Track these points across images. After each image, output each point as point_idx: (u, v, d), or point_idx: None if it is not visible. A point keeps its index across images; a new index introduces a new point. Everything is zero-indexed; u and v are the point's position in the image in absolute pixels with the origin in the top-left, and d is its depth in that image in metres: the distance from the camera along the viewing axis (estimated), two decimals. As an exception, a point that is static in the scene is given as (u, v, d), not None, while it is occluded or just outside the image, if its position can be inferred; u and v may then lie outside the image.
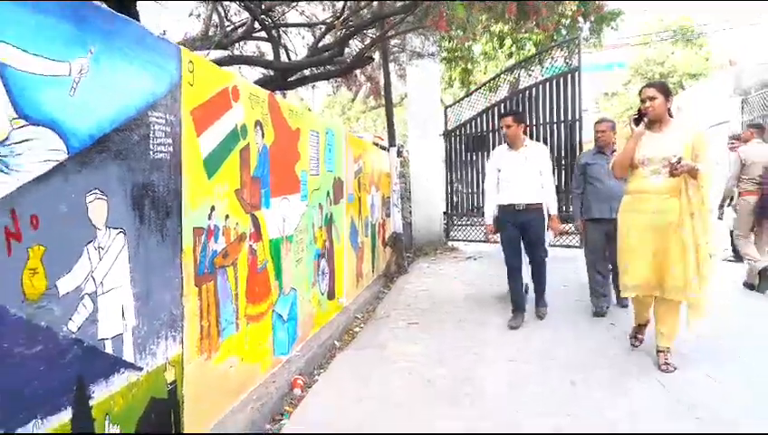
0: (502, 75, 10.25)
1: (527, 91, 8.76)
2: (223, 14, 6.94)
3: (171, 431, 2.14)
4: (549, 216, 4.52)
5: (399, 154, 10.18)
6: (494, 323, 4.45)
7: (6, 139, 1.37)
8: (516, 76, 11.35)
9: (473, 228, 8.97)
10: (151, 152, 1.99)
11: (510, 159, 4.48)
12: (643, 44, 28.49)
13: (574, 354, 3.64)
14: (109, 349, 1.78)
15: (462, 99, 9.32)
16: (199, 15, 6.65)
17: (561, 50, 8.74)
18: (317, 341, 3.94)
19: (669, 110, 3.34)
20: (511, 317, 4.46)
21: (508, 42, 13.36)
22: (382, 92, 7.63)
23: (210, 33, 7.01)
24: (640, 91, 3.38)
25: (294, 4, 6.42)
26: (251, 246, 2.91)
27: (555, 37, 11.98)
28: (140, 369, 1.94)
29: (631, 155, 3.34)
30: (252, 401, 2.79)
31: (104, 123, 1.73)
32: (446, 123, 9.04)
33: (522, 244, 4.52)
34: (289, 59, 7.65)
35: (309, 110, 19.31)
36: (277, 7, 7.11)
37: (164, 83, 2.08)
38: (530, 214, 4.39)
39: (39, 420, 1.48)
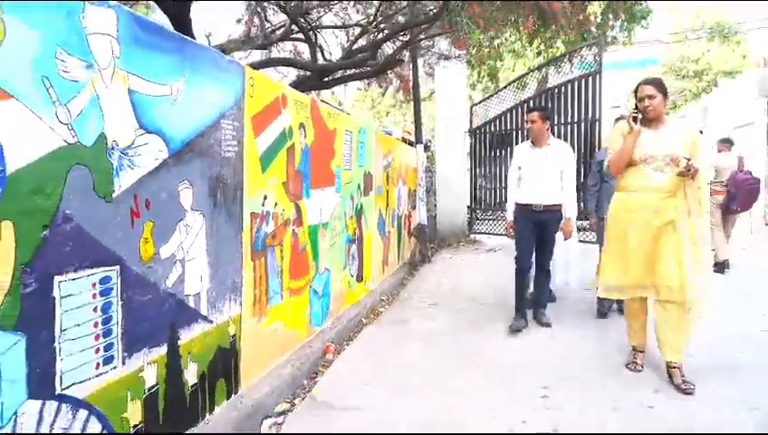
0: (530, 73, 10.59)
1: (549, 92, 9.10)
2: (263, 16, 7.48)
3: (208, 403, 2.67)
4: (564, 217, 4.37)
5: (427, 149, 10.64)
6: (509, 306, 4.88)
7: (132, 144, 1.89)
8: (544, 74, 11.66)
9: (495, 222, 9.38)
10: (222, 152, 2.51)
11: (531, 156, 4.34)
12: (677, 42, 28.09)
13: (572, 351, 4.05)
14: (191, 304, 2.31)
15: (487, 98, 9.70)
16: (240, 20, 7.18)
17: (590, 48, 9.03)
18: (346, 316, 4.46)
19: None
20: (513, 320, 4.36)
21: (537, 40, 13.61)
22: (411, 90, 8.07)
23: (252, 35, 7.57)
24: (637, 89, 3.29)
25: (329, 7, 6.89)
26: (294, 230, 3.43)
27: (585, 36, 12.20)
28: (211, 322, 2.47)
29: (631, 153, 3.23)
30: (292, 360, 3.32)
31: (191, 130, 2.25)
32: (471, 121, 9.45)
33: (534, 246, 4.39)
34: (325, 59, 8.17)
35: (340, 103, 19.76)
36: (314, 10, 7.63)
37: (232, 96, 2.59)
38: (547, 216, 4.24)
39: (147, 350, 2.01)
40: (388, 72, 9.94)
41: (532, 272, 4.50)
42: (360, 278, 5.08)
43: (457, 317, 4.62)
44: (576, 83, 8.51)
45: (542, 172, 4.26)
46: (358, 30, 6.85)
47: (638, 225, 3.23)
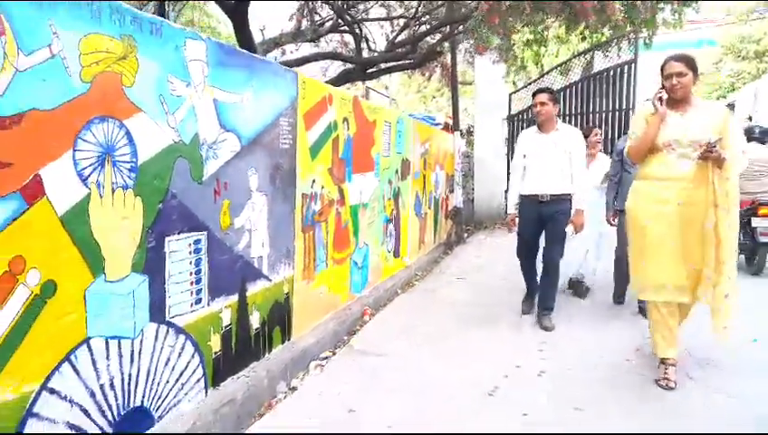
0: (570, 60, 10.79)
1: (584, 82, 9.35)
2: (312, 12, 8.06)
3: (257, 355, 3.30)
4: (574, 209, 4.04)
5: (470, 133, 11.03)
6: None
7: (215, 140, 2.51)
8: (589, 59, 11.82)
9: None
10: (280, 144, 3.11)
11: (537, 142, 4.06)
12: (739, 21, 26.98)
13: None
14: (255, 264, 2.94)
15: (525, 86, 10.00)
16: (292, 16, 7.78)
17: (640, 32, 9.18)
18: (383, 286, 5.06)
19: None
20: (524, 301, 4.43)
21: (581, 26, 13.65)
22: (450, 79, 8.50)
23: (302, 28, 8.17)
24: (664, 66, 2.93)
25: (373, 2, 7.40)
26: (337, 209, 4.03)
27: (633, 19, 12.22)
28: (270, 280, 3.10)
29: (654, 137, 2.92)
30: (335, 318, 3.95)
31: (257, 128, 2.86)
32: (509, 108, 9.79)
33: (539, 239, 4.21)
34: (370, 49, 8.70)
35: (386, 88, 20.12)
36: (359, 4, 8.15)
37: (288, 99, 3.18)
38: (553, 206, 3.95)
39: (225, 297, 2.65)
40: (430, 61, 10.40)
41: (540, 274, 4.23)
42: (396, 254, 5.65)
43: (482, 289, 5.14)
44: (612, 72, 8.73)
45: (549, 159, 3.98)
46: (401, 21, 7.33)
47: (663, 218, 2.90)
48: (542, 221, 4.03)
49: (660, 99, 2.94)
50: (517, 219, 4.21)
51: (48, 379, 1.72)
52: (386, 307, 4.63)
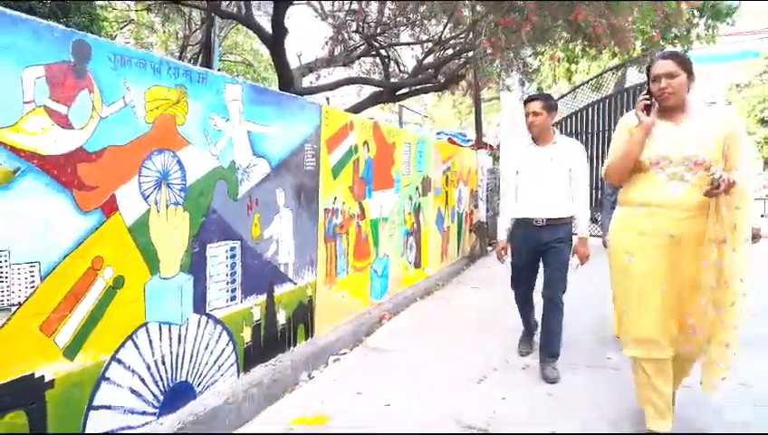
0: (606, 74, 11.07)
1: (616, 97, 9.60)
2: (345, 39, 8.65)
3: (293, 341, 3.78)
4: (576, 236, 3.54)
5: (498, 148, 11.39)
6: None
7: (248, 165, 3.02)
8: (622, 74, 12.06)
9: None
10: (305, 166, 3.62)
11: (532, 157, 3.51)
12: (783, 33, 26.40)
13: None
14: (282, 270, 3.43)
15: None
16: (326, 42, 8.39)
17: (675, 46, 9.38)
18: (403, 294, 5.49)
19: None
20: (521, 340, 3.97)
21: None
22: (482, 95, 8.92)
23: (335, 54, 8.77)
24: (650, 66, 2.41)
25: (400, 30, 7.93)
26: (358, 222, 4.50)
27: (665, 35, 12.41)
28: (295, 283, 3.59)
29: (637, 153, 2.39)
30: (354, 320, 4.40)
31: (284, 153, 3.37)
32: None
33: (537, 270, 3.68)
34: (400, 70, 9.23)
35: (424, 105, 20.55)
36: (388, 30, 8.68)
37: (312, 127, 3.69)
38: (551, 232, 3.42)
39: (255, 296, 3.14)
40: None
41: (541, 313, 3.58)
42: (417, 265, 6.08)
43: (492, 297, 5.50)
44: (637, 90, 8.96)
45: (545, 177, 3.44)
46: (426, 50, 7.82)
47: (649, 254, 2.37)
48: (539, 250, 3.48)
49: (645, 107, 2.42)
50: (509, 248, 3.70)
51: (117, 352, 2.24)
52: (403, 312, 5.06)
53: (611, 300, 2.57)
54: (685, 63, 2.34)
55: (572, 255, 3.50)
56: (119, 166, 2.20)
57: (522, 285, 3.75)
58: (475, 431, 2.66)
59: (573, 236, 3.51)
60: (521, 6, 4.18)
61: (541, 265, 3.60)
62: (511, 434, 2.62)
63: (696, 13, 14.02)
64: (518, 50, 5.28)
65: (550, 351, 3.46)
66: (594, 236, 6.02)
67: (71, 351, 2.03)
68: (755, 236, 3.60)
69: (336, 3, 8.38)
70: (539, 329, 3.66)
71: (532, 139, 3.55)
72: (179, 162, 2.51)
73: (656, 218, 2.37)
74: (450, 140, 11.13)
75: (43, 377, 1.93)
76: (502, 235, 3.75)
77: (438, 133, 15.23)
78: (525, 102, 3.58)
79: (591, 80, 11.56)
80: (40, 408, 1.93)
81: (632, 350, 2.48)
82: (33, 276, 1.88)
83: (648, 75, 2.45)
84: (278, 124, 3.28)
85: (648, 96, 2.45)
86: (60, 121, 1.95)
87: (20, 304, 1.84)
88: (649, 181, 2.41)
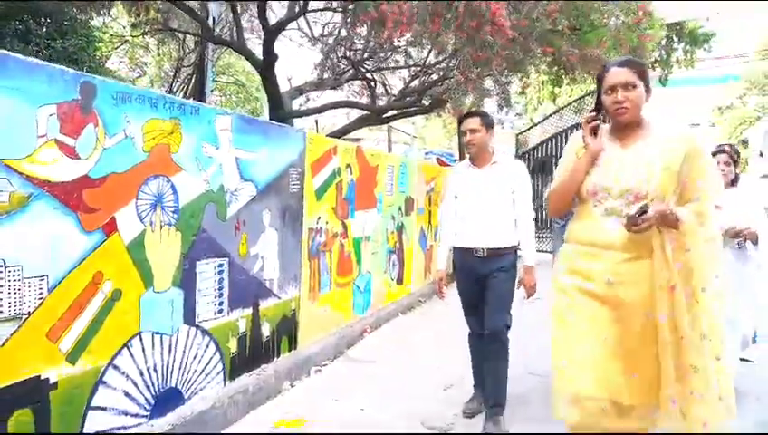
0: (586, 97, 11.47)
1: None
2: (334, 64, 8.98)
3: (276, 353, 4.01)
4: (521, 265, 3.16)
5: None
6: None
7: (236, 188, 3.29)
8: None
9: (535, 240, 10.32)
10: (290, 188, 3.89)
11: (470, 180, 3.20)
12: (762, 58, 27.24)
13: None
14: (267, 285, 3.68)
15: (530, 128, 10.71)
16: (317, 67, 8.71)
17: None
18: (385, 310, 5.73)
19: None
20: (470, 398, 3.36)
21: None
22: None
23: (324, 78, 9.10)
24: (603, 76, 2.03)
25: (386, 56, 8.27)
26: (341, 241, 4.76)
27: (650, 58, 12.91)
28: (280, 298, 3.83)
29: (580, 182, 2.07)
30: (337, 333, 4.64)
31: (270, 176, 3.64)
32: (517, 148, 10.48)
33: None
34: (387, 93, 9.56)
35: (413, 124, 20.84)
36: (375, 56, 9.03)
37: (297, 152, 3.97)
38: (492, 263, 3.07)
39: (241, 310, 3.39)
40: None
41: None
42: (400, 281, 6.34)
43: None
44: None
45: (485, 202, 3.12)
46: (410, 77, 8.17)
47: (583, 301, 2.05)
48: (482, 282, 3.12)
49: (593, 129, 2.07)
50: (450, 278, 3.41)
51: (113, 358, 2.47)
52: (384, 326, 5.31)
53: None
54: (643, 72, 2.00)
55: (518, 286, 3.12)
56: (119, 191, 2.46)
57: (473, 323, 3.30)
58: (436, 432, 2.91)
59: (515, 267, 3.11)
60: (491, 42, 4.52)
61: None
62: (468, 434, 2.87)
63: (675, 38, 14.60)
64: (496, 77, 5.60)
65: (494, 400, 3.00)
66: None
67: (73, 356, 2.27)
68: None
69: (325, 27, 8.74)
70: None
71: (470, 159, 3.26)
72: (173, 187, 2.78)
73: (594, 260, 2.02)
74: (439, 160, 11.43)
75: (47, 379, 2.17)
76: (440, 264, 3.39)
77: (427, 153, 15.57)
78: (461, 120, 3.31)
79: (572, 103, 12.00)
80: (44, 407, 2.17)
81: (562, 410, 2.04)
82: (41, 289, 2.13)
83: (598, 86, 2.06)
84: (265, 150, 3.55)
85: (596, 113, 2.07)
86: (68, 152, 2.21)
87: (29, 314, 2.09)
88: (588, 216, 2.08)
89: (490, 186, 3.13)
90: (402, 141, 22.05)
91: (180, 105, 2.81)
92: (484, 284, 3.11)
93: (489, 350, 3.09)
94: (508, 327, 3.12)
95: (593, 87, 13.01)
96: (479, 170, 3.19)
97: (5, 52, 2.00)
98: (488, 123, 3.16)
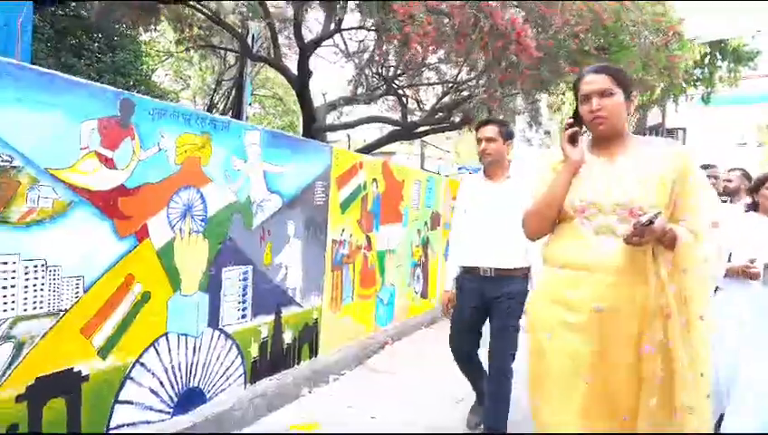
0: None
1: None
2: (367, 79, 9.20)
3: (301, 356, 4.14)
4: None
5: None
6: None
7: (263, 200, 3.45)
8: (642, 114, 12.37)
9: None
10: (315, 201, 4.04)
11: (482, 194, 2.99)
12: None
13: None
14: (290, 294, 3.82)
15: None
16: (350, 83, 8.94)
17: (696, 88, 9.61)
18: (409, 323, 5.81)
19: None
20: (471, 410, 3.32)
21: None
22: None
23: (358, 93, 9.32)
24: (578, 82, 1.87)
25: (420, 71, 8.43)
26: (364, 253, 4.88)
27: (688, 75, 12.72)
28: (302, 307, 3.97)
29: (562, 198, 1.87)
30: (358, 344, 4.74)
31: (296, 189, 3.80)
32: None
33: (481, 329, 3.07)
34: (420, 108, 9.72)
35: (447, 138, 20.96)
36: (407, 72, 9.20)
37: (323, 166, 4.12)
38: (500, 286, 2.84)
39: (264, 316, 3.53)
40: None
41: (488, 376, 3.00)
42: (424, 295, 6.41)
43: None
44: (648, 133, 9.22)
45: (496, 218, 2.86)
46: (441, 94, 8.31)
47: (566, 334, 1.82)
48: (484, 307, 2.92)
49: (571, 137, 1.86)
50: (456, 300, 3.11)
51: (141, 356, 2.64)
52: (406, 338, 5.38)
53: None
54: (622, 79, 1.82)
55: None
56: (151, 200, 2.65)
57: (463, 346, 3.10)
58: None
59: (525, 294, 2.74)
60: (516, 62, 4.60)
61: (487, 323, 3.01)
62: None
63: (719, 56, 14.33)
64: (525, 96, 5.66)
65: (495, 425, 2.83)
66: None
67: (104, 352, 2.44)
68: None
69: (361, 44, 8.97)
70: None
71: (484, 171, 3.04)
72: (202, 197, 2.95)
73: (579, 286, 1.80)
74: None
75: (80, 372, 2.35)
76: (448, 284, 3.16)
77: (460, 168, 15.63)
78: (477, 128, 3.08)
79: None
80: (76, 398, 2.34)
81: None
82: (78, 288, 2.31)
83: (575, 94, 1.90)
84: (292, 164, 3.72)
85: (574, 121, 1.87)
86: (107, 163, 2.41)
87: (66, 311, 2.28)
88: (573, 235, 1.85)
89: (502, 201, 2.86)
90: (436, 156, 22.15)
91: (212, 121, 3.00)
92: (488, 309, 2.91)
93: (491, 377, 2.90)
94: (513, 355, 2.87)
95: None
96: (492, 184, 2.99)
97: (53, 72, 2.21)
98: (506, 133, 2.96)
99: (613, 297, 1.75)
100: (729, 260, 2.82)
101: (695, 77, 13.67)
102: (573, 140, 1.87)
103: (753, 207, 3.03)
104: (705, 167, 3.50)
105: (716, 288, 2.75)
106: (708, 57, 13.87)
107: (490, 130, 2.94)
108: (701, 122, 21.41)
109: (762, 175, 3.12)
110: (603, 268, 1.76)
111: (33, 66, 2.24)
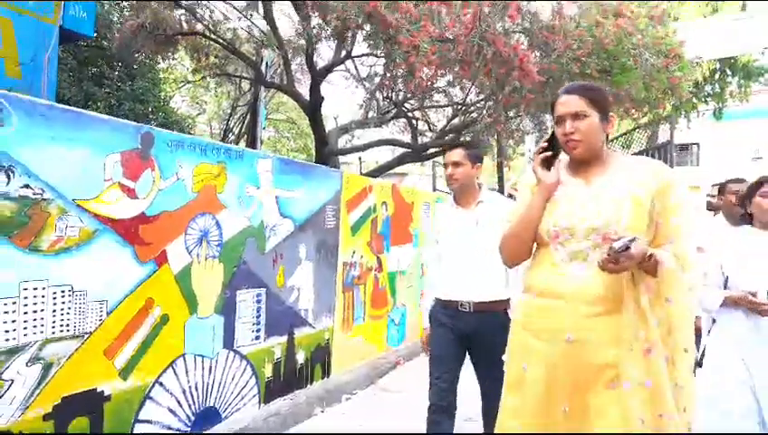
0: (635, 131, 11.41)
1: (648, 154, 9.93)
2: (378, 103, 9.40)
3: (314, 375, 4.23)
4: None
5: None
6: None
7: (275, 224, 3.59)
8: (651, 132, 12.42)
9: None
10: (326, 224, 4.17)
11: (454, 222, 2.75)
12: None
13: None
14: (302, 315, 3.93)
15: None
16: (361, 106, 9.14)
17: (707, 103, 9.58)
18: (420, 342, 5.87)
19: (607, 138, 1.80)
20: None
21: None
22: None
23: (369, 117, 9.51)
24: (554, 103, 1.78)
25: (430, 94, 8.59)
26: (375, 274, 4.99)
27: (699, 91, 12.74)
28: (314, 328, 4.07)
29: (537, 223, 1.77)
30: (369, 364, 4.82)
31: (307, 213, 3.93)
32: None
33: (461, 363, 2.71)
34: (431, 129, 9.88)
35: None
36: (416, 95, 9.38)
37: (333, 191, 4.26)
38: (481, 321, 2.55)
39: (277, 337, 3.64)
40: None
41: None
42: (435, 315, 6.47)
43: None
44: (650, 154, 9.25)
45: (470, 247, 2.62)
46: (450, 116, 8.47)
47: (540, 365, 1.73)
48: (464, 345, 2.65)
49: (544, 161, 1.78)
50: (431, 337, 2.80)
51: (159, 376, 2.76)
52: (417, 358, 5.44)
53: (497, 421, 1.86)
54: (597, 100, 1.70)
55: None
56: (170, 226, 2.80)
57: (439, 389, 2.69)
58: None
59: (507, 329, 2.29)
60: (519, 87, 4.73)
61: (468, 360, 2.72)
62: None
63: (729, 72, 14.35)
64: (531, 118, 5.77)
65: None
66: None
67: (125, 372, 2.57)
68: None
69: (372, 68, 9.19)
70: None
71: (454, 198, 2.81)
72: (217, 223, 3.10)
73: (552, 315, 1.71)
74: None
75: (102, 392, 2.47)
76: (427, 320, 2.83)
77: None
78: (444, 152, 2.87)
79: (620, 137, 11.91)
80: (98, 417, 2.47)
81: None
82: (101, 312, 2.45)
83: (552, 114, 1.81)
84: (303, 190, 3.86)
85: (549, 144, 1.78)
86: (129, 193, 2.56)
87: (90, 333, 2.41)
88: (548, 262, 1.76)
89: (475, 229, 2.63)
90: (448, 176, 22.22)
91: (227, 150, 3.16)
92: (467, 347, 2.64)
93: (488, 414, 2.66)
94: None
95: (624, 125, 12.94)
96: (463, 211, 2.72)
97: (79, 110, 2.39)
98: (475, 156, 2.71)
99: (587, 328, 1.63)
100: (726, 286, 2.42)
101: (705, 93, 13.70)
102: (547, 163, 1.77)
103: (747, 218, 2.56)
104: (733, 181, 3.21)
105: (713, 320, 2.48)
106: (718, 73, 13.92)
107: (456, 154, 2.68)
108: (714, 138, 21.32)
109: (754, 181, 2.58)
110: (577, 297, 1.66)
111: (61, 105, 2.42)
